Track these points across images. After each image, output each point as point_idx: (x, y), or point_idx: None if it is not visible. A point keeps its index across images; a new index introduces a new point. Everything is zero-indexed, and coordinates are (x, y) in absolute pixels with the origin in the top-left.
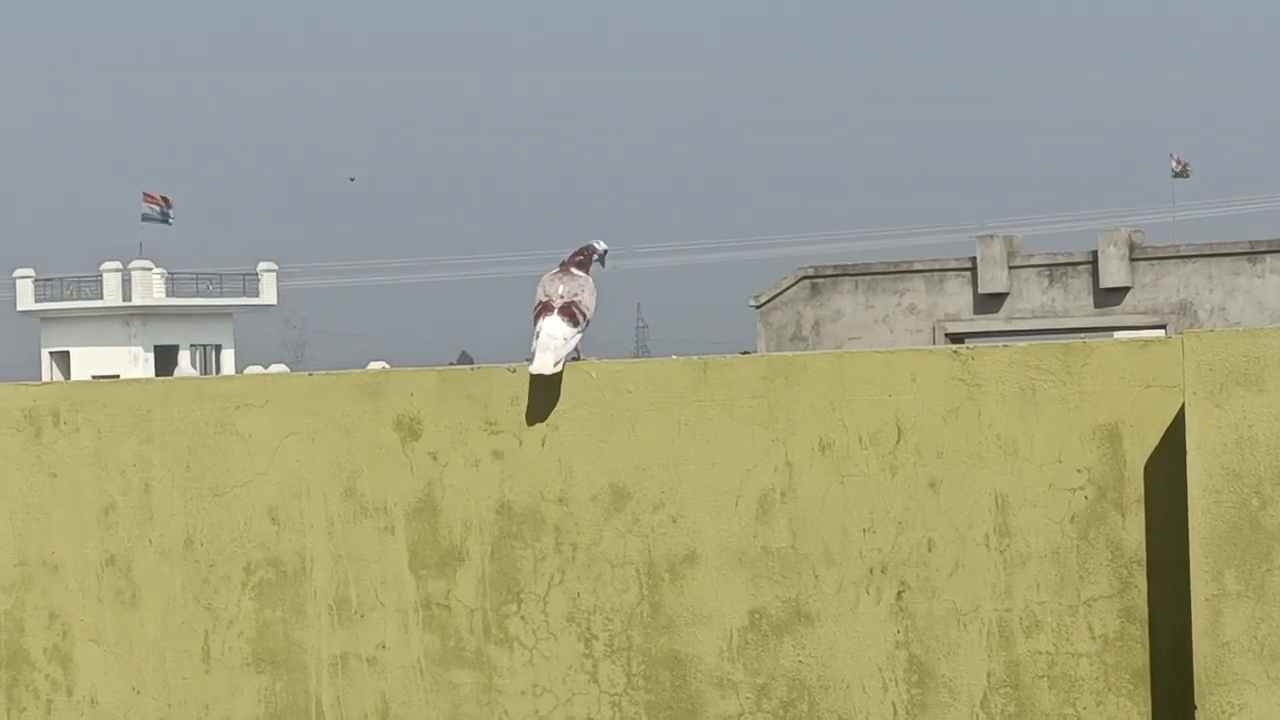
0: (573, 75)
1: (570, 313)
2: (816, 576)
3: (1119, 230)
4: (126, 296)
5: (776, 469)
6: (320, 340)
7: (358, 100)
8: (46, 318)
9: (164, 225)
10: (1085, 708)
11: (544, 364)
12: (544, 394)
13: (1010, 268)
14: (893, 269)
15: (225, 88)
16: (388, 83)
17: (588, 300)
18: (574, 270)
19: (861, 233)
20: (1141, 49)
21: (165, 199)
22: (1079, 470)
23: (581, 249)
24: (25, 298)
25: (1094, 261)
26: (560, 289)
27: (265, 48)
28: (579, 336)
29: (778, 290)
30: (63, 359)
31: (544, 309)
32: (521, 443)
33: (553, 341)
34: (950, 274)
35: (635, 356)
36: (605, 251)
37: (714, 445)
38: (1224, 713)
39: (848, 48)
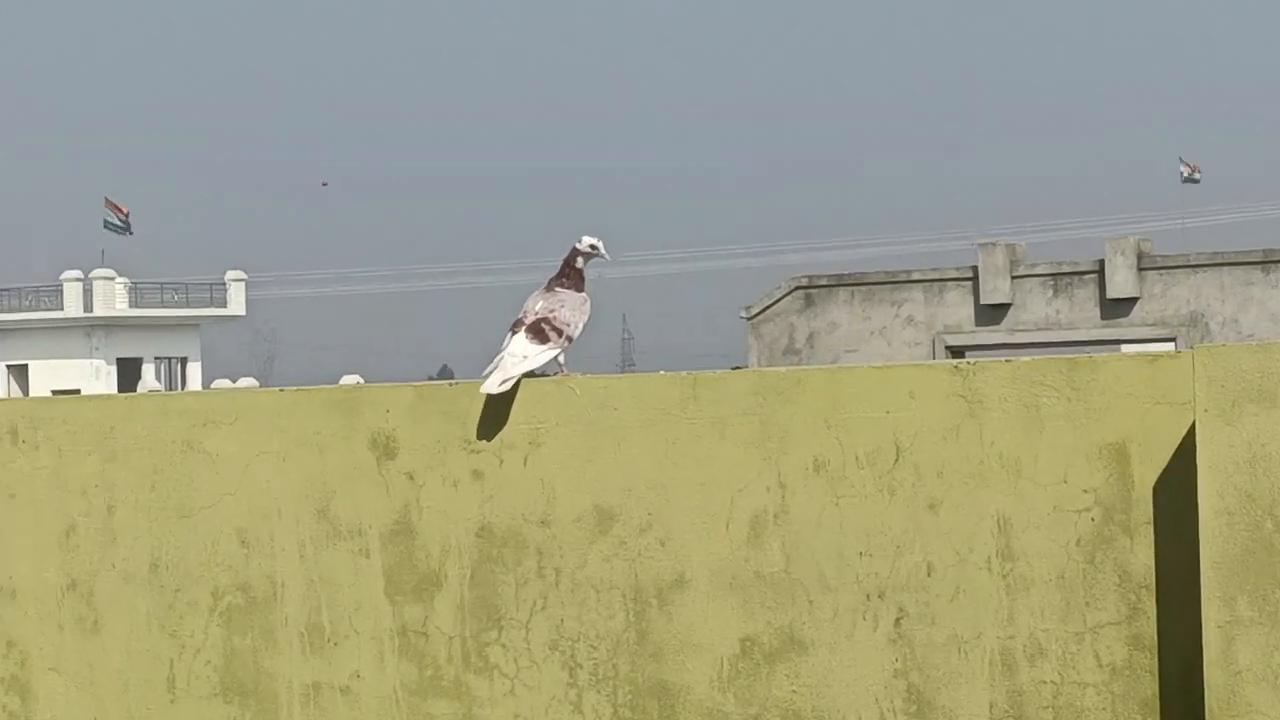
0: (555, 78)
1: (539, 330)
2: (811, 602)
3: (1126, 238)
4: (88, 307)
5: (769, 489)
6: (291, 353)
7: (331, 100)
8: (3, 329)
9: (124, 235)
10: None
11: (491, 383)
12: (494, 413)
13: (1013, 277)
14: (890, 279)
15: (192, 90)
16: (364, 81)
17: (566, 314)
18: (558, 288)
19: (857, 240)
20: (1150, 50)
21: (123, 210)
22: (1085, 491)
23: (565, 260)
24: None
25: (1100, 271)
26: (538, 305)
27: (231, 47)
28: (552, 353)
29: (770, 301)
30: (20, 373)
31: (514, 326)
32: (502, 462)
33: (510, 360)
34: (950, 284)
35: (621, 370)
36: (593, 246)
37: (704, 464)
38: None
39: (843, 48)
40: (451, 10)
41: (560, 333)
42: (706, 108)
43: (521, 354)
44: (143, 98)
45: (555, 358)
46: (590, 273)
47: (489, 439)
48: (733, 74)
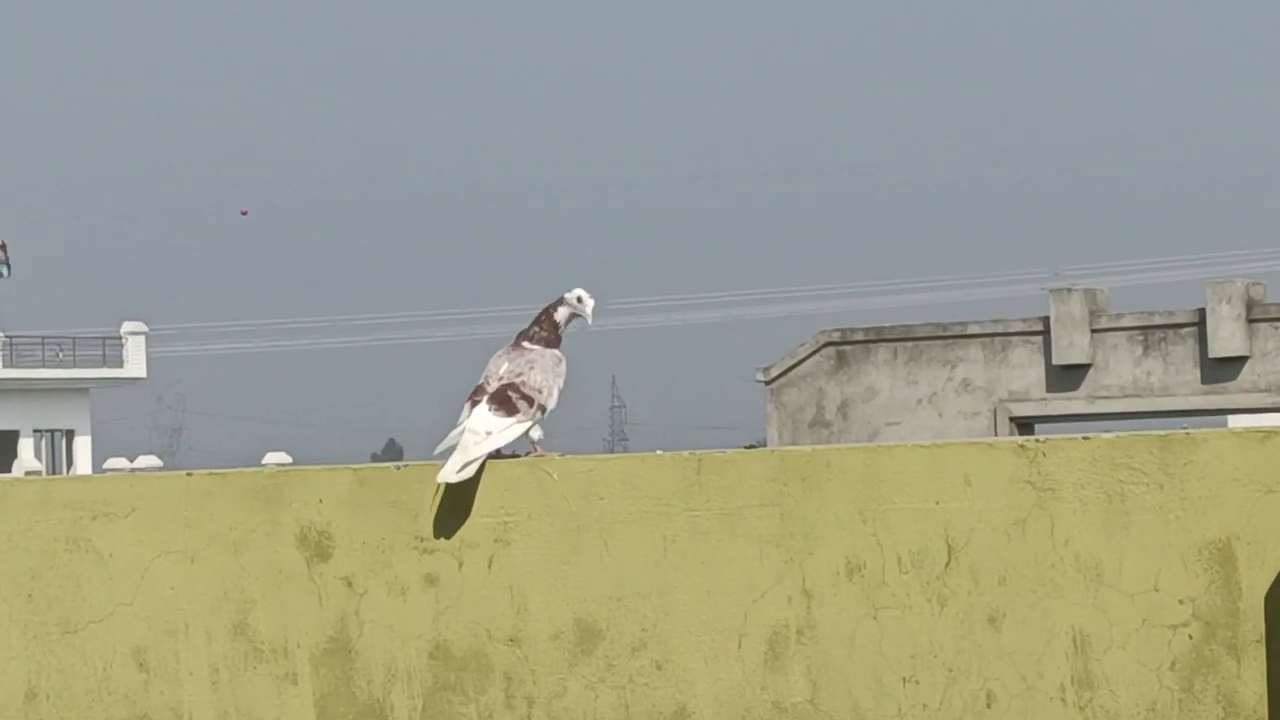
0: (532, 88)
1: (504, 399)
2: None
3: (1233, 282)
4: None
5: (791, 599)
6: (201, 424)
7: (249, 115)
8: None
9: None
10: None
11: (448, 469)
12: (452, 503)
13: (1093, 331)
14: (942, 333)
15: (77, 103)
16: (288, 90)
17: (537, 379)
18: (527, 344)
19: (901, 284)
20: (1262, 58)
21: (1, 245)
22: (1181, 602)
23: (544, 310)
24: None
25: (1201, 323)
26: (502, 368)
27: (126, 51)
28: (522, 427)
29: (794, 361)
30: None
31: (475, 395)
32: (462, 565)
33: (471, 438)
34: (1016, 339)
35: (609, 448)
36: (580, 299)
37: (711, 568)
38: None
39: (880, 47)
40: (410, 11)
41: (531, 401)
42: (709, 115)
43: (484, 429)
44: (21, 111)
45: (526, 433)
46: (569, 331)
47: (446, 536)
48: (745, 71)
